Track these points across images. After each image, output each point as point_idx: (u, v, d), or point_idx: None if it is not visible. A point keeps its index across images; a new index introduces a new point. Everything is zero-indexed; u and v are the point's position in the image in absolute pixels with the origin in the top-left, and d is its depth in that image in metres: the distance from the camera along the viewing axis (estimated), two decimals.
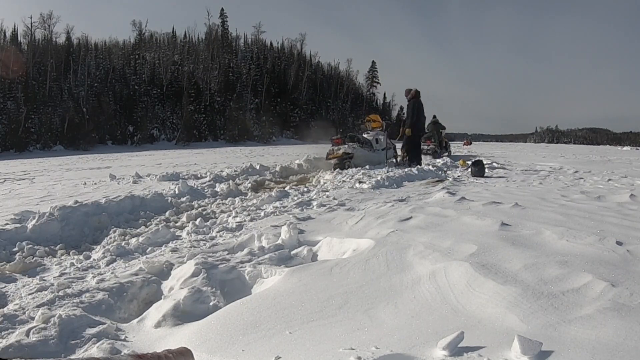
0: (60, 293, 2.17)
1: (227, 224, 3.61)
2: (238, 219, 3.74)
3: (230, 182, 6.16)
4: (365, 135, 9.18)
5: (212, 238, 3.24)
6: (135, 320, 2.08)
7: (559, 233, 2.73)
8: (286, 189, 5.50)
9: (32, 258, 2.91)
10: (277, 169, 8.41)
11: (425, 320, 1.89)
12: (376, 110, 51.38)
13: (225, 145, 41.18)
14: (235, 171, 7.86)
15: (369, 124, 9.78)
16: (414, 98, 8.81)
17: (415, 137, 8.81)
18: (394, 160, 9.53)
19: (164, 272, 2.57)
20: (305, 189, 5.46)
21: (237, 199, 4.98)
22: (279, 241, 2.87)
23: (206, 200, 4.99)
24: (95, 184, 6.32)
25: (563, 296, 1.97)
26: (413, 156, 8.73)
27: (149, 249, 3.05)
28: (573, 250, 2.46)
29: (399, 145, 9.92)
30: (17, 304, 2.14)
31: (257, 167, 8.48)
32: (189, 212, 4.17)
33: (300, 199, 4.55)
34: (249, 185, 6.20)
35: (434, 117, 14.05)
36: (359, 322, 1.91)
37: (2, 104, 35.08)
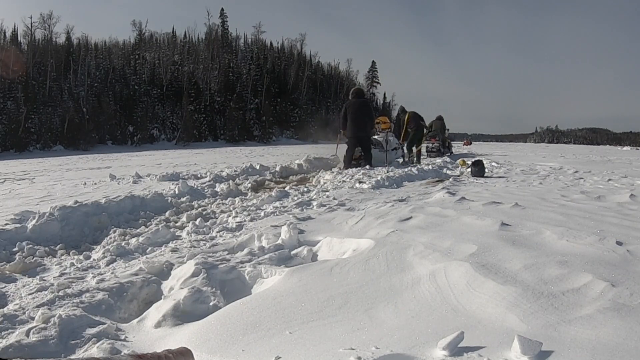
0: (60, 293, 2.17)
1: (227, 224, 3.61)
2: (238, 219, 3.74)
3: (230, 182, 6.15)
4: (376, 137, 9.49)
5: (212, 238, 3.24)
6: (135, 320, 2.09)
7: (559, 233, 2.73)
8: (286, 189, 5.49)
9: (32, 258, 2.91)
10: (277, 169, 8.40)
11: (425, 320, 1.89)
12: (377, 110, 51.41)
13: (225, 145, 41.14)
14: (235, 171, 7.86)
15: (379, 125, 10.15)
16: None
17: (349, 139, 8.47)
18: (403, 159, 10.03)
19: (164, 272, 2.58)
20: (305, 189, 5.46)
21: (237, 199, 4.98)
22: (279, 241, 2.87)
23: (206, 200, 4.99)
24: (95, 184, 6.32)
25: (563, 296, 1.97)
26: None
27: (149, 249, 3.05)
28: (573, 250, 2.46)
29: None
30: (17, 304, 2.14)
31: (257, 167, 8.47)
32: (189, 212, 4.17)
33: (300, 199, 4.55)
34: (249, 185, 6.19)
35: (440, 117, 14.41)
36: (359, 322, 1.91)
37: (2, 104, 35.07)
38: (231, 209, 4.34)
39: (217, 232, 3.40)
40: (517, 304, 1.91)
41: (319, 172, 8.24)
